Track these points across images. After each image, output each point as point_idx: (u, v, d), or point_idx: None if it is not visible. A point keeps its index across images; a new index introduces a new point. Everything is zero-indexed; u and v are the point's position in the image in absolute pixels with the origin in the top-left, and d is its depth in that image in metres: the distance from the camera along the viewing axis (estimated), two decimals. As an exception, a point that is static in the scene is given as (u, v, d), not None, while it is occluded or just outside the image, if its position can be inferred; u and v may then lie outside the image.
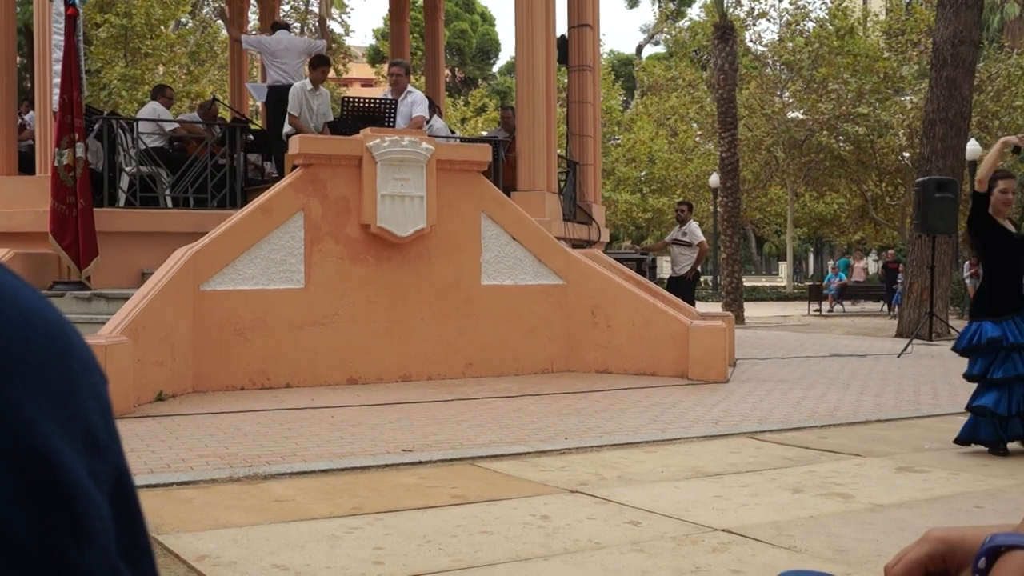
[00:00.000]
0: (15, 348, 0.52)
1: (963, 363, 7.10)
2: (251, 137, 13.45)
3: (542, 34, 12.41)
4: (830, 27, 32.99)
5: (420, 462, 6.25)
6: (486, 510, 5.03)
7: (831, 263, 38.00)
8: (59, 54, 10.29)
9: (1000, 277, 6.86)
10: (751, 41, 35.36)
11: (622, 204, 39.43)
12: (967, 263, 25.70)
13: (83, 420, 0.54)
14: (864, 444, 7.02)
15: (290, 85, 11.90)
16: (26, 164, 11.57)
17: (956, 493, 5.53)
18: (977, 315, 6.89)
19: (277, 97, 12.22)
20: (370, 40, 52.51)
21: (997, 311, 6.75)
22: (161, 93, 13.07)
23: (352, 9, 62.86)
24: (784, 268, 51.83)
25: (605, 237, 14.91)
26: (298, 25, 32.94)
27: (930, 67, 17.83)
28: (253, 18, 24.41)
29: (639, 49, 58.03)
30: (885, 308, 28.74)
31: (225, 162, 11.92)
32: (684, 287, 14.66)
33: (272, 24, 14.64)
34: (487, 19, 56.12)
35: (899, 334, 16.71)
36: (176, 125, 13.05)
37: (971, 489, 5.62)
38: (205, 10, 35.01)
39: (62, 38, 10.26)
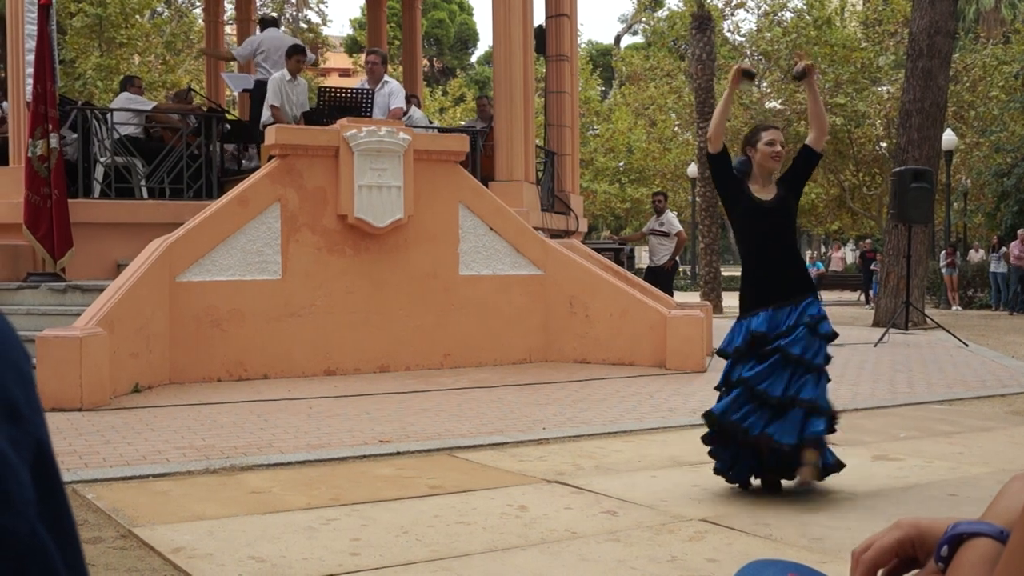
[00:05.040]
0: None
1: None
2: (227, 127, 13.36)
3: (519, 24, 12.37)
4: (808, 17, 33.08)
5: (398, 453, 6.24)
6: (463, 501, 5.03)
7: (808, 252, 38.07)
8: (32, 44, 10.19)
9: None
10: (729, 31, 35.42)
11: (600, 194, 39.45)
12: (943, 252, 25.86)
13: (3, 391, 0.55)
14: (840, 433, 7.00)
15: None
16: (0, 154, 11.44)
17: (930, 481, 5.57)
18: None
19: (262, 91, 12.14)
20: (347, 30, 52.31)
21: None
22: (131, 83, 13.01)
23: (329, -2, 62.76)
24: (762, 258, 51.84)
25: (583, 227, 14.92)
26: (274, 15, 32.77)
27: (906, 57, 17.89)
28: (229, 7, 24.27)
29: (617, 39, 57.92)
30: (863, 298, 28.89)
31: (201, 152, 11.84)
32: (662, 277, 14.68)
33: (260, 20, 14.80)
34: (465, 8, 55.94)
35: (876, 323, 16.81)
36: (153, 104, 12.92)
37: (945, 477, 5.66)
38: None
39: (35, 28, 10.17)
